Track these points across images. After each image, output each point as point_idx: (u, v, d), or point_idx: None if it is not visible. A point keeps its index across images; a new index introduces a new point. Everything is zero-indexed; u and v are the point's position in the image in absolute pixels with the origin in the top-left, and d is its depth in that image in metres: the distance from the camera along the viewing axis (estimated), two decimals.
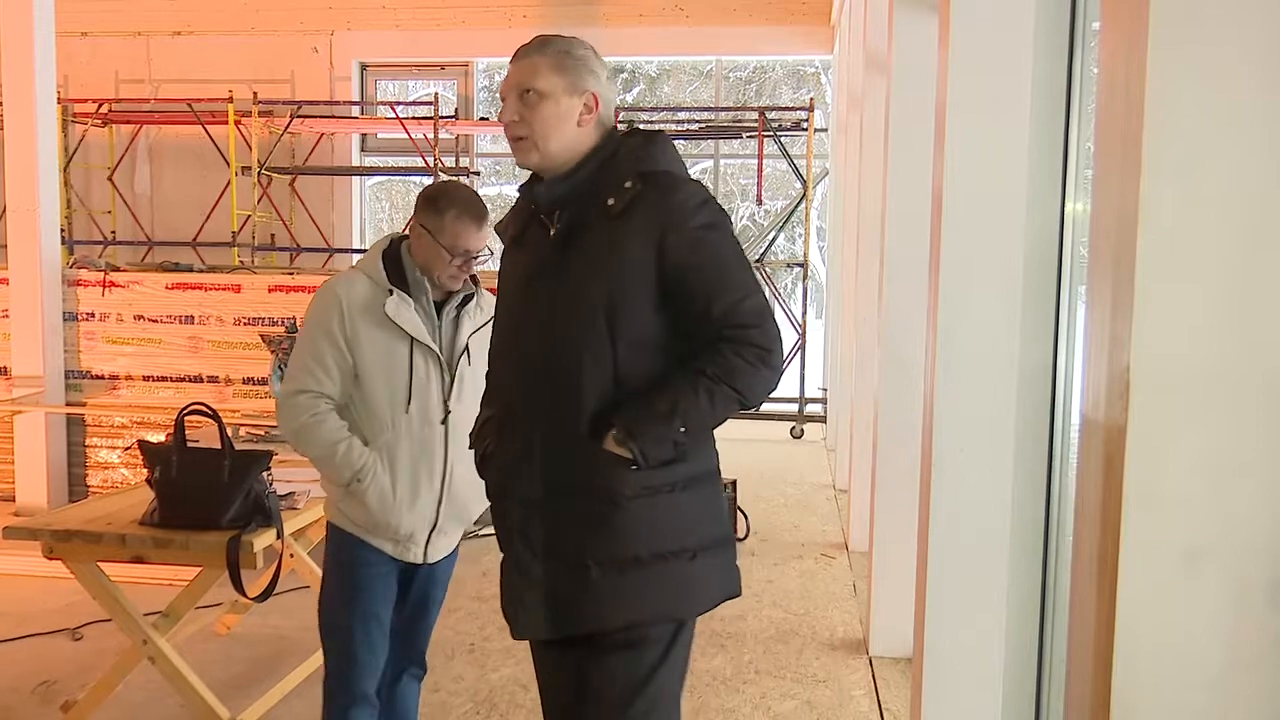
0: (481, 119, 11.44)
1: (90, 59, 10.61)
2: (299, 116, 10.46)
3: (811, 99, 10.64)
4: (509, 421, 2.12)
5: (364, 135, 11.39)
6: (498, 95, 2.21)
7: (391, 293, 2.69)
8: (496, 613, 4.92)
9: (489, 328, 2.74)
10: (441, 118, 10.24)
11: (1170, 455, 1.14)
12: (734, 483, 6.20)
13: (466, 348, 2.77)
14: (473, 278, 2.84)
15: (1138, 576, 1.11)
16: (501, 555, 2.19)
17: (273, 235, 10.82)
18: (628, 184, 2.03)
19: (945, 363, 2.67)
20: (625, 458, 1.98)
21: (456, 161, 10.72)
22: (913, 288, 3.98)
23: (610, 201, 2.03)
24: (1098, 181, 1.36)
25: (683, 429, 1.99)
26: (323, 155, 11.07)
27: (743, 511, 6.22)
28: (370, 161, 11.50)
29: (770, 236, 11.01)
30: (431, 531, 2.79)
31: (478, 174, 11.48)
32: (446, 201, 2.70)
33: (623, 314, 2.00)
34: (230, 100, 10.02)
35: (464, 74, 11.26)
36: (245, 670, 4.19)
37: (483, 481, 2.41)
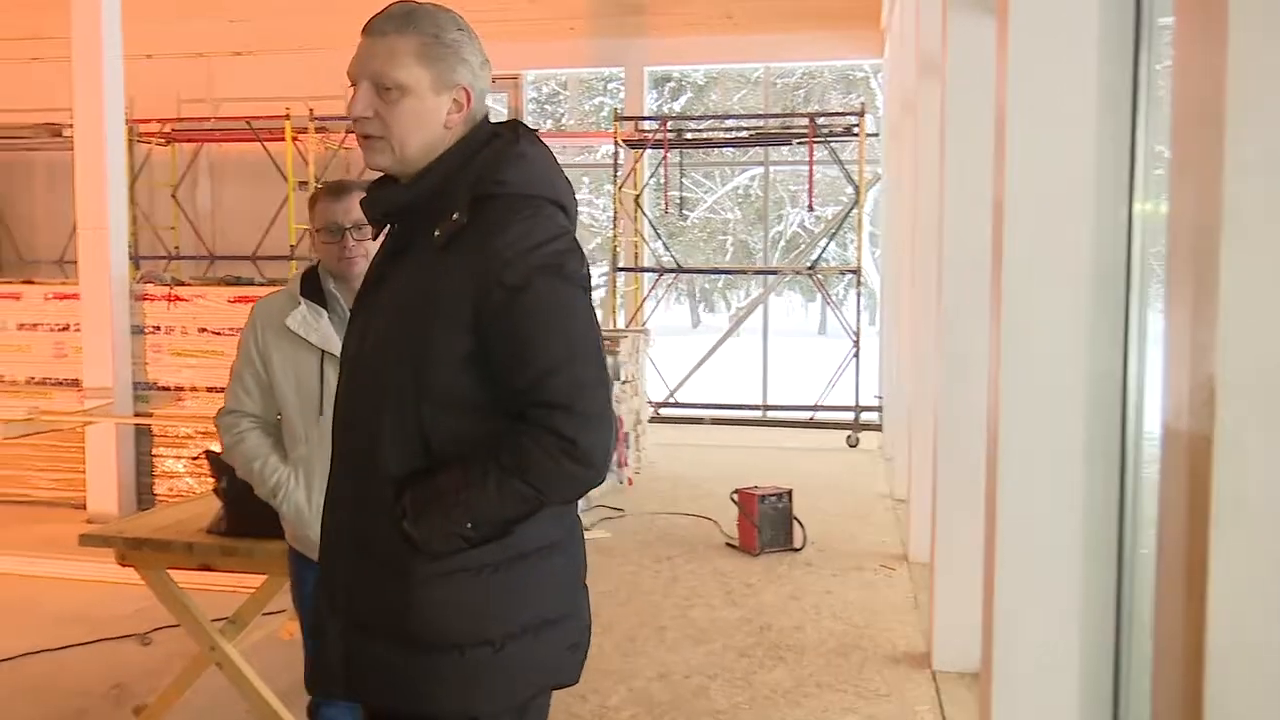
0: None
1: (154, 80, 10.82)
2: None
3: (862, 104, 10.58)
4: (334, 457, 1.87)
5: None
6: (350, 79, 1.76)
7: (299, 305, 2.71)
8: None
9: None
10: None
11: (1258, 464, 1.12)
12: (790, 492, 6.17)
13: None
14: None
15: (1228, 588, 1.08)
16: None
17: None
18: (455, 215, 1.70)
19: (1010, 369, 2.63)
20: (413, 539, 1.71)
21: None
22: (973, 293, 3.93)
23: (436, 232, 1.71)
24: (1175, 181, 1.34)
25: (469, 525, 1.69)
26: None
27: (799, 521, 6.18)
28: None
29: (822, 244, 10.95)
30: None
31: None
32: (314, 195, 2.78)
33: (432, 370, 1.69)
34: (287, 117, 10.19)
35: (513, 86, 11.34)
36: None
37: None
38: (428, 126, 1.73)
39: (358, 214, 2.58)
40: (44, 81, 10.42)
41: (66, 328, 6.96)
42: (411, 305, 1.71)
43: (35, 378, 7.00)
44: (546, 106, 21.90)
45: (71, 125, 6.95)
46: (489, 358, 1.69)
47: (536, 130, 1.87)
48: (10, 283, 7.56)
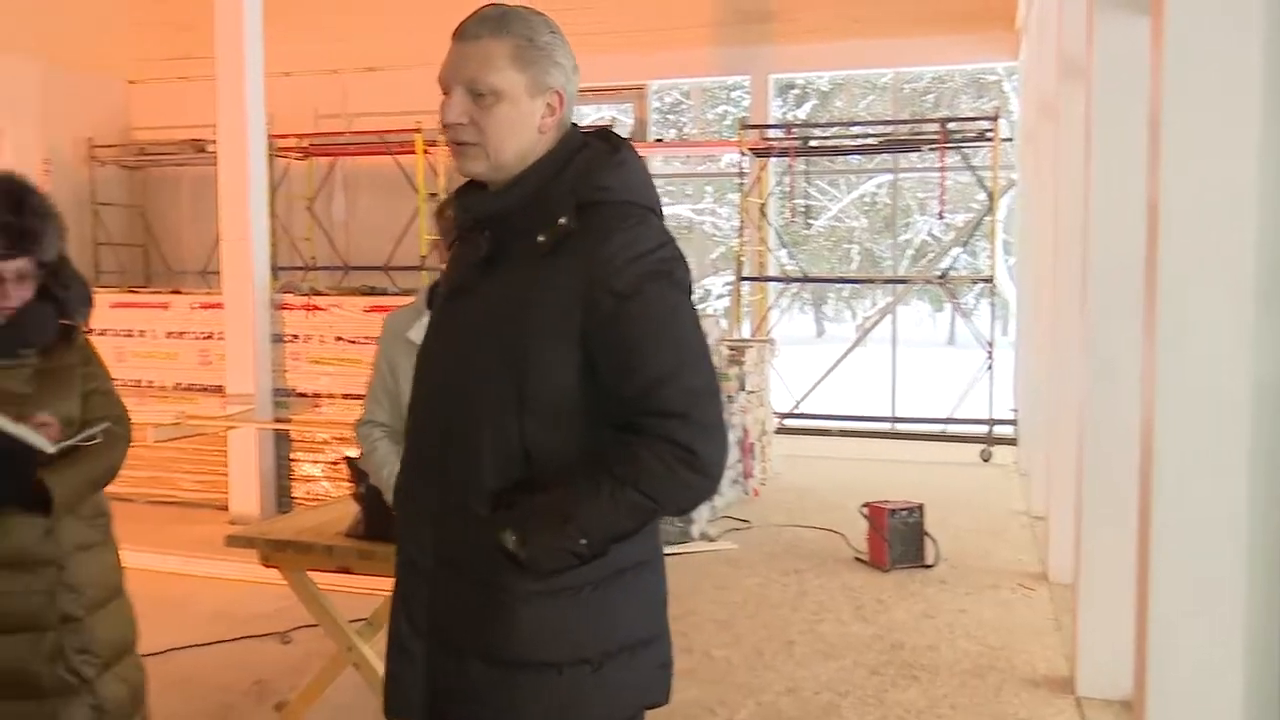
0: (656, 140, 11.56)
1: (292, 97, 11.20)
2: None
3: (996, 108, 10.29)
4: (413, 469, 1.81)
5: None
6: (442, 85, 1.71)
7: (423, 316, 2.66)
8: (681, 633, 4.93)
9: None
10: None
11: None
12: (921, 507, 6.01)
13: None
14: None
15: None
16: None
17: None
18: (561, 220, 1.66)
19: (1166, 376, 2.49)
20: (517, 558, 1.65)
21: None
22: (1121, 298, 3.77)
23: (540, 238, 1.66)
24: None
25: (584, 541, 1.63)
26: None
27: (931, 537, 6.02)
28: None
29: (953, 252, 10.68)
30: None
31: None
32: (446, 203, 2.71)
33: (536, 379, 1.65)
34: (418, 131, 10.42)
35: (638, 96, 11.39)
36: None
37: None
38: (523, 132, 1.69)
39: None
40: (190, 100, 10.90)
41: (211, 336, 7.26)
42: (512, 314, 1.67)
43: (182, 384, 7.32)
44: (669, 116, 21.97)
45: (215, 141, 7.24)
46: (597, 367, 1.65)
47: (629, 138, 1.83)
48: (159, 293, 7.92)
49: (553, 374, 1.65)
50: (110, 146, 11.68)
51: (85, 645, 2.54)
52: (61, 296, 2.62)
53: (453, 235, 1.88)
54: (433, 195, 10.59)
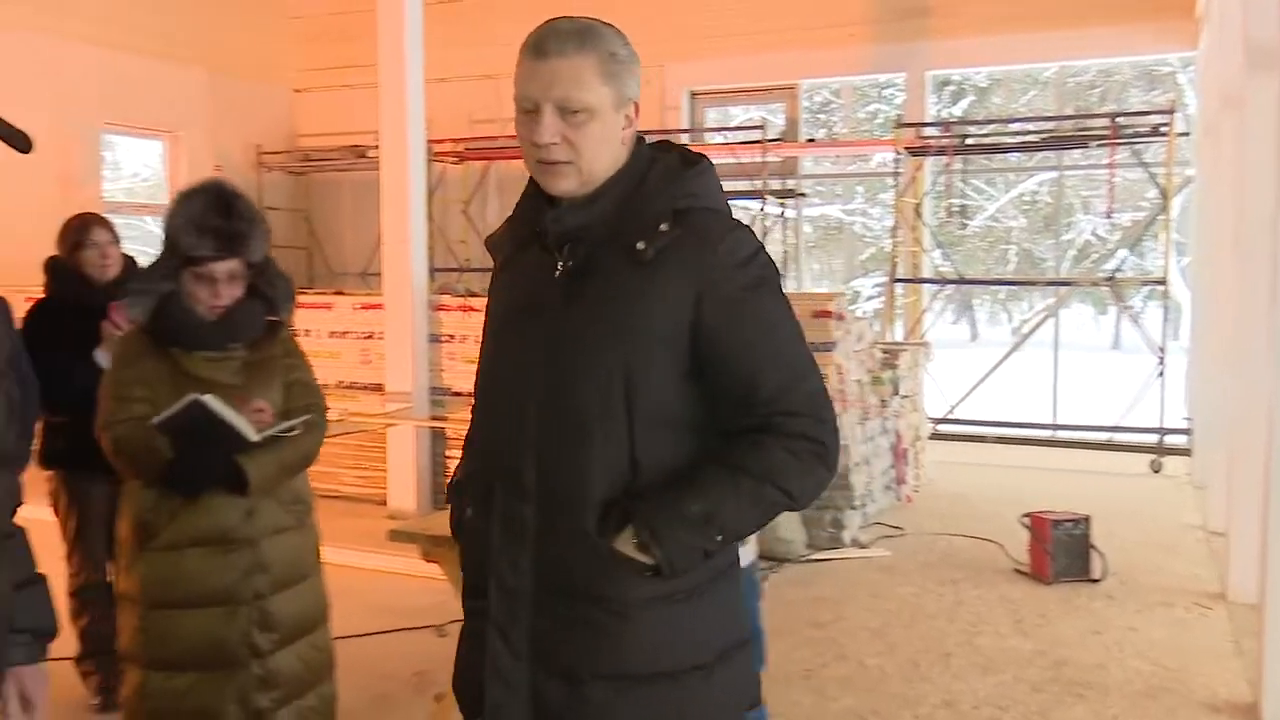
0: (809, 140, 11.41)
1: (448, 102, 11.50)
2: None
3: (1171, 101, 9.78)
4: (496, 487, 1.72)
5: None
6: (530, 103, 1.67)
7: None
8: (834, 640, 4.84)
9: None
10: (769, 141, 10.29)
11: None
12: (1087, 518, 5.74)
13: None
14: None
15: None
16: (462, 641, 1.84)
17: None
18: (663, 226, 1.66)
19: None
20: (642, 563, 1.62)
21: (783, 184, 10.73)
22: None
23: (640, 245, 1.65)
24: None
25: (719, 537, 1.65)
26: None
27: (1098, 550, 5.74)
28: None
29: (1121, 253, 10.20)
30: None
31: (804, 195, 11.44)
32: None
33: (645, 387, 1.64)
34: None
35: (789, 96, 11.26)
36: None
37: None
38: (611, 146, 1.69)
39: None
40: (351, 107, 11.31)
41: (371, 335, 7.49)
42: (618, 325, 1.65)
43: (344, 381, 7.57)
44: (819, 115, 21.68)
45: (375, 147, 7.48)
46: (712, 371, 1.67)
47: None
48: (323, 294, 8.23)
49: (663, 381, 1.66)
50: (277, 153, 12.21)
51: (266, 621, 2.70)
52: (268, 294, 2.82)
53: (506, 251, 1.83)
54: None
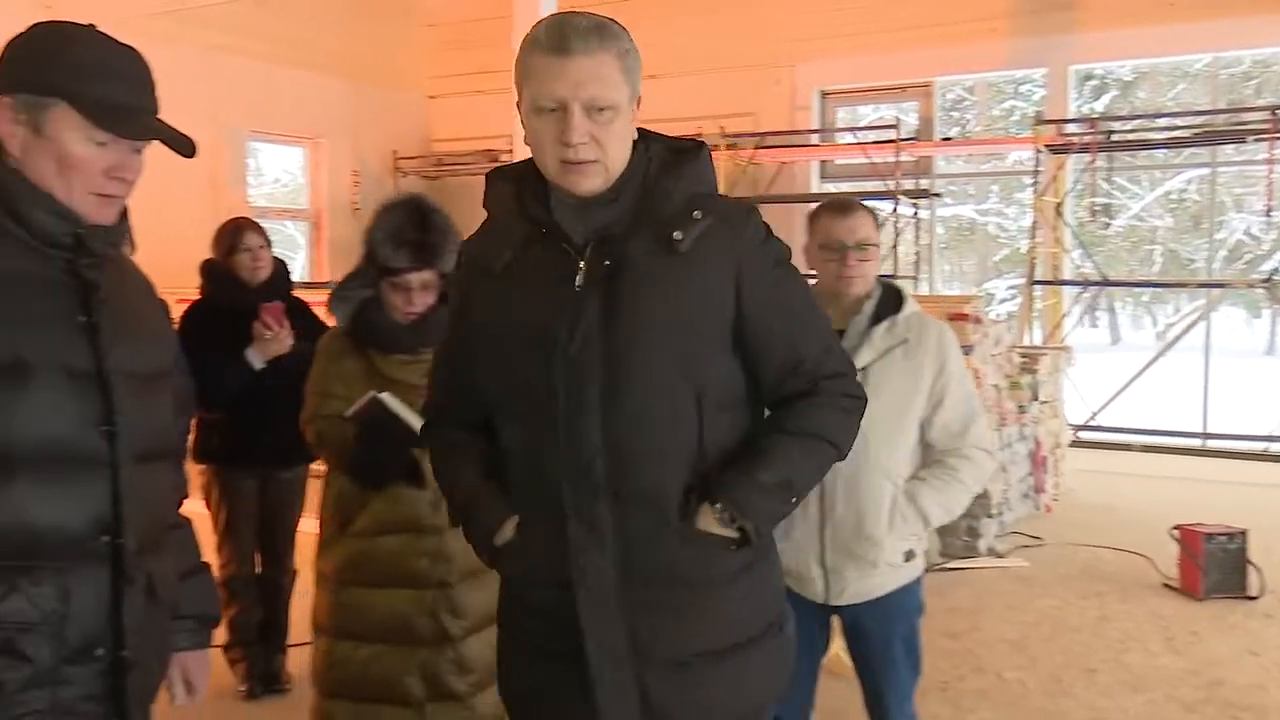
0: (944, 139, 11.14)
1: None
2: (761, 147, 10.78)
3: None
4: (565, 492, 1.69)
5: (823, 162, 11.51)
6: (554, 102, 1.64)
7: None
8: (970, 651, 4.70)
9: (891, 355, 2.59)
10: (902, 140, 10.09)
11: None
12: (1244, 532, 5.45)
13: (863, 371, 2.55)
14: (895, 291, 2.70)
15: None
16: (526, 660, 1.81)
17: None
18: (696, 214, 1.69)
19: None
20: (723, 537, 1.70)
21: (916, 183, 10.50)
22: None
23: (677, 236, 1.68)
24: None
25: (794, 499, 1.77)
26: (783, 183, 11.32)
27: (1255, 566, 5.44)
28: (830, 188, 11.59)
29: (1279, 253, 9.65)
30: (824, 568, 2.64)
31: (938, 195, 11.17)
32: (817, 210, 2.69)
33: (705, 373, 1.70)
34: (699, 135, 10.55)
35: (924, 95, 11.01)
36: None
37: (810, 523, 2.50)
38: (629, 141, 1.70)
39: (863, 233, 2.59)
40: (485, 112, 11.51)
41: None
42: (670, 319, 1.68)
43: None
44: (952, 113, 21.18)
45: (507, 151, 7.57)
46: (757, 343, 1.74)
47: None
48: None
49: (719, 365, 1.72)
50: (412, 158, 12.52)
51: (454, 607, 2.82)
52: None
53: (504, 258, 1.76)
54: None
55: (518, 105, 1.70)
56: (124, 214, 1.75)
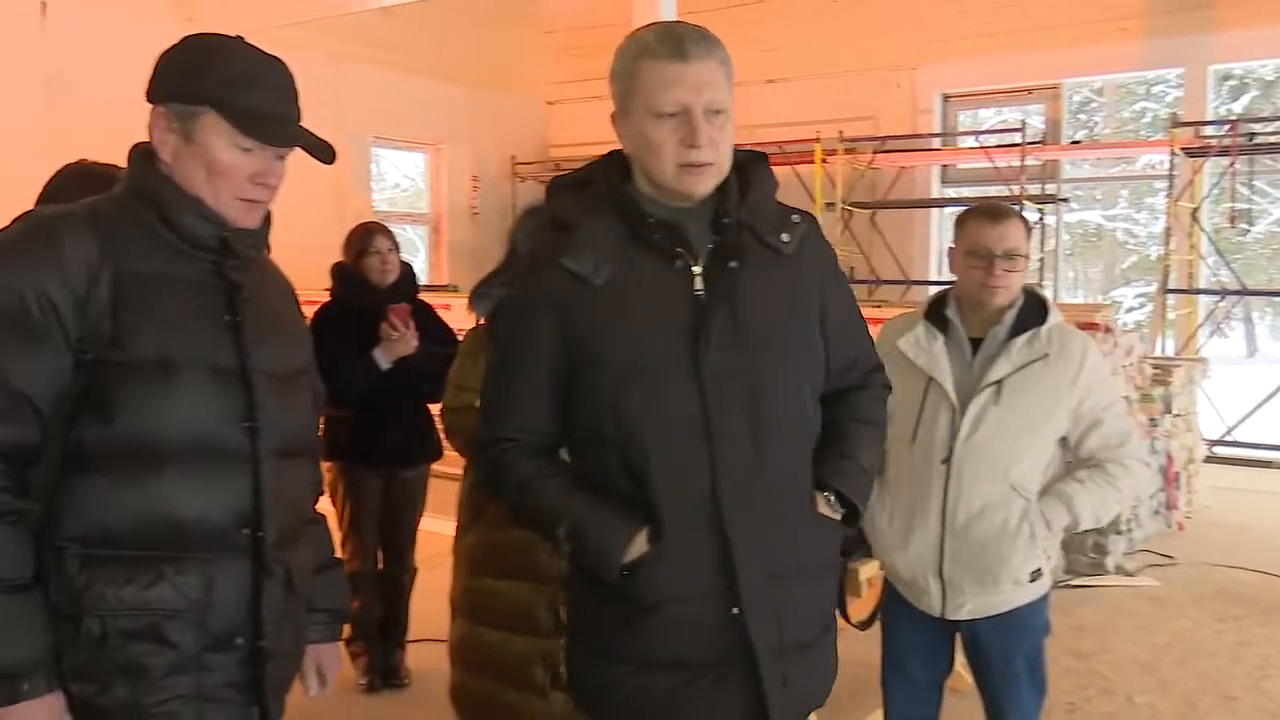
0: (1073, 142, 10.80)
1: None
2: (881, 152, 10.62)
3: None
4: (705, 508, 1.69)
5: (944, 167, 11.27)
6: (676, 107, 1.68)
7: (917, 326, 2.62)
8: (1097, 673, 4.52)
9: (1029, 369, 2.50)
10: (1030, 144, 9.81)
11: None
12: None
13: (998, 384, 2.50)
14: (1040, 301, 2.61)
15: None
16: (630, 671, 1.77)
17: (852, 268, 11.07)
18: (795, 217, 1.81)
19: None
20: (836, 519, 1.84)
21: (1042, 189, 10.20)
22: None
23: (785, 238, 1.78)
24: None
25: (873, 480, 1.95)
26: (903, 188, 11.13)
27: None
28: (951, 193, 11.35)
29: None
30: (942, 581, 2.58)
31: (1065, 200, 10.84)
32: (964, 214, 2.64)
33: (813, 368, 1.83)
34: (817, 140, 10.44)
35: (1052, 97, 10.70)
36: (838, 691, 4.17)
37: (929, 535, 2.51)
38: (732, 145, 1.76)
39: (1012, 242, 2.51)
40: (601, 117, 11.51)
41: None
42: (787, 315, 1.79)
43: None
44: (1079, 116, 20.54)
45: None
46: (831, 343, 1.84)
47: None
48: None
49: (819, 361, 1.84)
50: (530, 163, 12.70)
51: None
52: None
53: (608, 271, 1.73)
54: (829, 205, 10.57)
55: (614, 116, 1.78)
56: (267, 218, 1.80)
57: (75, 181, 2.15)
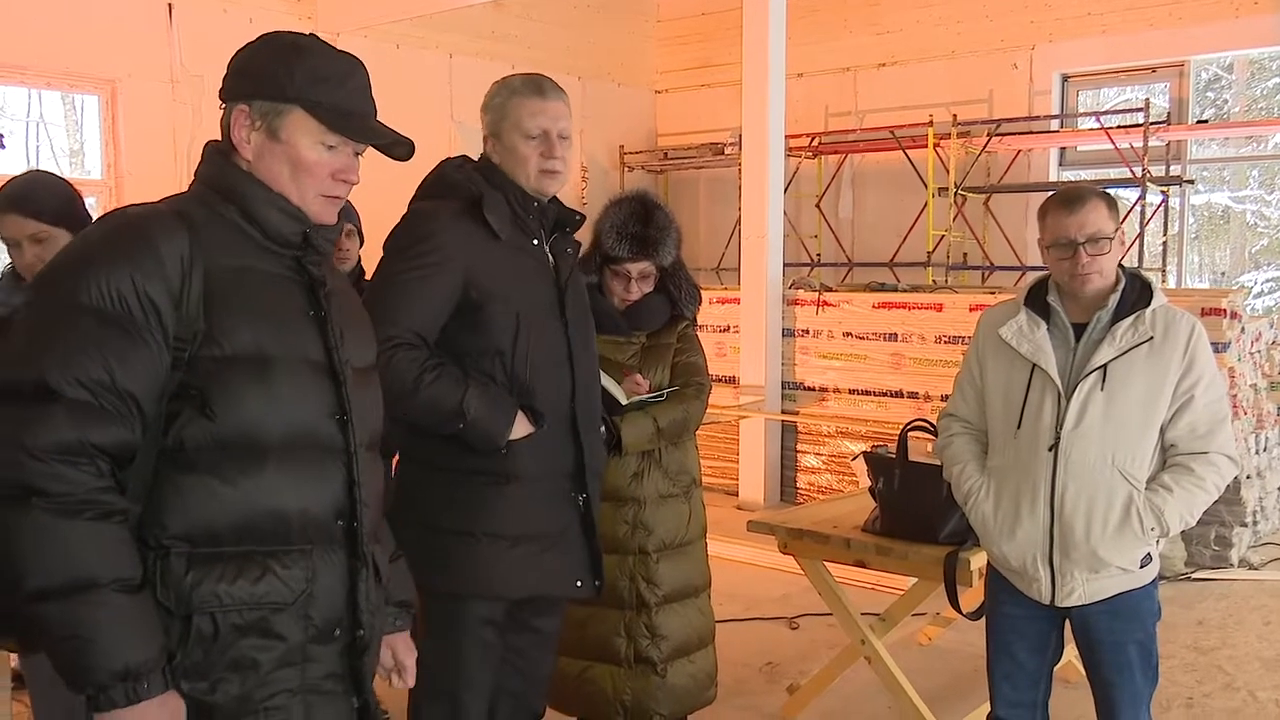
0: (1199, 122, 10.42)
1: (803, 97, 11.54)
2: (996, 135, 10.38)
3: None
4: (565, 415, 2.48)
5: (1063, 149, 10.97)
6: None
7: (1019, 314, 2.60)
8: (1219, 668, 4.41)
9: (1134, 352, 2.47)
10: (1152, 124, 9.48)
11: None
12: None
13: (1103, 369, 2.47)
14: (1144, 283, 2.57)
15: None
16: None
17: (965, 254, 10.87)
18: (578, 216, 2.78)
19: None
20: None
21: (1166, 170, 9.85)
22: None
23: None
24: None
25: None
26: (1018, 172, 10.86)
27: None
28: (1069, 176, 11.03)
29: None
30: (1051, 568, 2.56)
31: (1191, 183, 10.45)
32: (1044, 205, 2.62)
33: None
34: (930, 124, 10.26)
35: (1178, 75, 10.31)
36: (946, 684, 4.19)
37: (1038, 521, 2.54)
38: None
39: (1093, 226, 2.48)
40: (710, 106, 11.62)
41: (727, 329, 7.66)
42: None
43: None
44: (1206, 94, 19.72)
45: (731, 144, 7.62)
46: None
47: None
48: None
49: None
50: (638, 152, 12.75)
51: (650, 576, 3.03)
52: (674, 294, 3.24)
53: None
54: (941, 190, 10.39)
55: (485, 138, 2.66)
56: (340, 213, 1.83)
57: None
